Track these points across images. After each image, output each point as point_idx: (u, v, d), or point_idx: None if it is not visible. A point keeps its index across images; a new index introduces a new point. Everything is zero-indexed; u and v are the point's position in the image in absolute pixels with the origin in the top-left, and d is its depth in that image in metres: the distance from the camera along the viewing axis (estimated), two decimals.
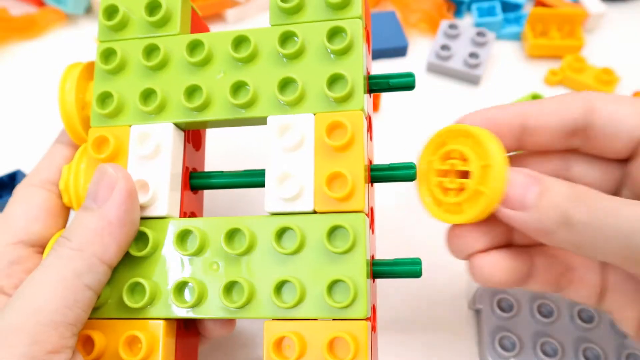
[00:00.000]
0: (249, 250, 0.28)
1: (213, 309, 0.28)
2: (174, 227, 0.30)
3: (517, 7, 0.58)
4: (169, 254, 0.29)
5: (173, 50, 0.31)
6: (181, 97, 0.30)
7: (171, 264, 0.29)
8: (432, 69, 0.54)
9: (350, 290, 0.26)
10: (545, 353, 0.36)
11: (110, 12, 0.32)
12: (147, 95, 0.31)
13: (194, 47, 0.31)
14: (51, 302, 0.25)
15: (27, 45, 0.55)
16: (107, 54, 0.32)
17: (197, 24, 0.34)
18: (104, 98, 0.31)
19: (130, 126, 0.31)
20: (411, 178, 0.29)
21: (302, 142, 0.29)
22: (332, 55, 0.30)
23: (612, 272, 0.30)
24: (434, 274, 0.41)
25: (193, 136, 0.34)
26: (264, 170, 0.31)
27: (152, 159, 0.30)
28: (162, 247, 0.29)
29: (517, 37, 0.57)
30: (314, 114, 0.29)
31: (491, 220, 0.29)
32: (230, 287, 0.28)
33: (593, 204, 0.25)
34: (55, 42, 0.55)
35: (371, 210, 0.30)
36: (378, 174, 0.30)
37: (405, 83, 0.31)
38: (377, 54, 0.54)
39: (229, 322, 0.32)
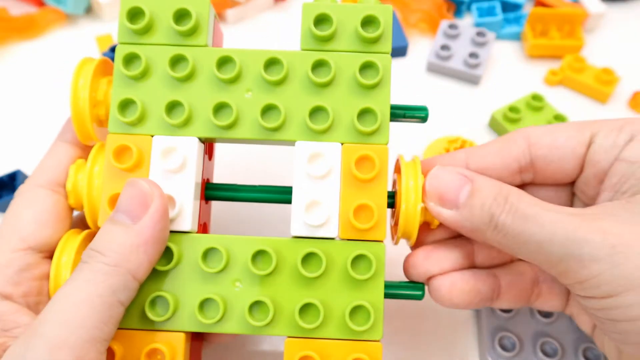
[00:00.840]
0: (273, 271, 0.29)
1: (235, 325, 0.29)
2: (198, 243, 0.30)
3: (517, 7, 0.58)
4: (191, 269, 0.30)
5: (201, 63, 0.31)
6: (209, 113, 0.30)
7: (194, 279, 0.30)
8: (432, 69, 0.54)
9: (370, 315, 0.28)
10: (545, 353, 0.36)
11: (134, 14, 0.31)
12: (172, 106, 0.30)
13: (223, 62, 0.31)
14: (90, 318, 0.25)
15: (27, 45, 0.55)
16: (129, 58, 0.31)
17: (217, 31, 0.34)
18: (125, 104, 0.30)
19: (152, 136, 0.30)
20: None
21: (330, 171, 0.30)
22: (361, 88, 0.30)
23: None
24: None
25: (208, 146, 0.34)
26: (289, 188, 0.32)
27: (177, 172, 0.30)
28: (184, 262, 0.30)
29: (517, 37, 0.57)
30: (342, 144, 0.30)
31: (450, 244, 0.32)
32: (253, 306, 0.29)
33: (517, 208, 0.27)
34: (55, 42, 0.55)
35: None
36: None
37: (419, 115, 0.33)
38: None
39: None
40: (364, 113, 0.30)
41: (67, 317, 0.25)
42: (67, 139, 0.33)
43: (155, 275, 0.30)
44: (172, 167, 0.30)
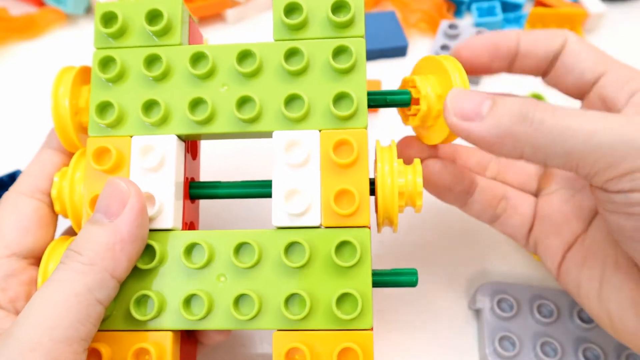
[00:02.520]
0: (257, 263, 0.29)
1: (221, 320, 0.29)
2: (180, 240, 0.30)
3: (517, 7, 0.57)
4: (175, 266, 0.30)
5: (175, 61, 0.31)
6: (185, 110, 0.30)
7: (178, 276, 0.29)
8: None
9: (358, 302, 0.28)
10: (545, 353, 0.36)
11: (108, 18, 0.31)
12: (149, 106, 0.31)
13: (197, 59, 0.31)
14: (65, 318, 0.25)
15: (27, 45, 0.55)
16: (105, 62, 0.31)
17: (194, 32, 0.34)
18: (103, 107, 0.31)
19: (131, 137, 0.31)
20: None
21: (309, 159, 0.29)
22: (336, 73, 0.30)
23: (542, 202, 0.36)
24: (434, 274, 0.41)
25: (191, 146, 0.34)
26: (269, 181, 0.32)
27: (156, 171, 0.30)
28: (168, 260, 0.30)
29: None
30: (319, 131, 0.30)
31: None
32: (239, 300, 0.28)
33: (554, 108, 0.27)
34: (55, 42, 0.55)
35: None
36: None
37: (401, 100, 0.32)
38: (377, 54, 0.54)
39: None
40: (340, 98, 0.30)
41: (41, 318, 0.25)
42: (53, 146, 0.33)
43: (139, 274, 0.29)
44: (151, 165, 0.30)
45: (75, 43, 0.55)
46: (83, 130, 0.33)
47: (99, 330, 0.28)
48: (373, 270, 0.30)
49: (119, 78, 0.31)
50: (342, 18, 0.30)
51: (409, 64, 0.54)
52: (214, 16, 0.57)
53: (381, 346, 0.38)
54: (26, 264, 0.31)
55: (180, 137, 0.31)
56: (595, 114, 0.27)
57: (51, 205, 0.33)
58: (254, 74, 0.30)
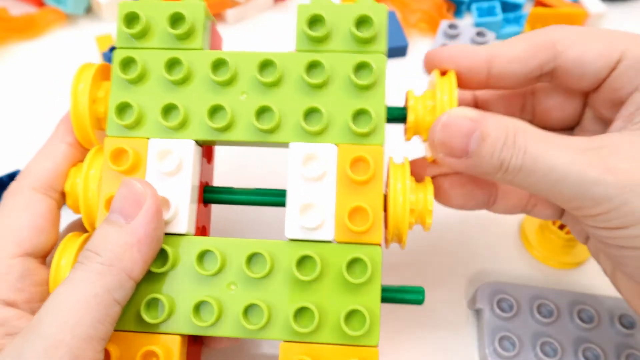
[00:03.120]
0: (268, 274, 0.29)
1: (230, 328, 0.29)
2: (194, 246, 0.30)
3: (517, 7, 0.57)
4: (187, 271, 0.30)
5: (196, 66, 0.31)
6: (204, 115, 0.30)
7: (189, 281, 0.29)
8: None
9: (366, 320, 0.28)
10: (545, 353, 0.36)
11: (131, 18, 0.31)
12: (168, 109, 0.30)
13: (218, 65, 0.31)
14: (86, 317, 0.25)
15: (27, 45, 0.54)
16: (126, 62, 0.31)
17: (215, 37, 0.34)
18: (122, 108, 0.31)
19: (148, 139, 0.31)
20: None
21: (325, 173, 0.30)
22: (356, 89, 0.30)
23: None
24: (434, 274, 0.41)
25: (207, 150, 0.34)
26: (283, 191, 0.31)
27: (173, 175, 0.30)
28: (180, 264, 0.30)
29: None
30: (337, 145, 0.30)
31: None
32: (248, 309, 0.29)
33: (526, 149, 0.27)
34: (55, 42, 0.55)
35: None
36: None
37: (395, 115, 0.32)
38: None
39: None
40: (359, 114, 0.30)
41: (63, 317, 0.25)
42: (66, 141, 0.33)
43: (151, 277, 0.29)
44: (168, 169, 0.30)
45: (75, 43, 0.55)
46: (99, 126, 0.33)
47: None
48: (382, 287, 0.30)
49: (139, 79, 0.31)
50: (364, 33, 0.30)
51: (409, 64, 0.54)
52: (214, 16, 0.56)
53: (381, 346, 0.38)
54: (37, 263, 0.31)
55: (197, 142, 0.31)
56: (566, 150, 0.27)
57: (60, 203, 0.32)
58: (274, 84, 0.30)
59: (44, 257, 0.31)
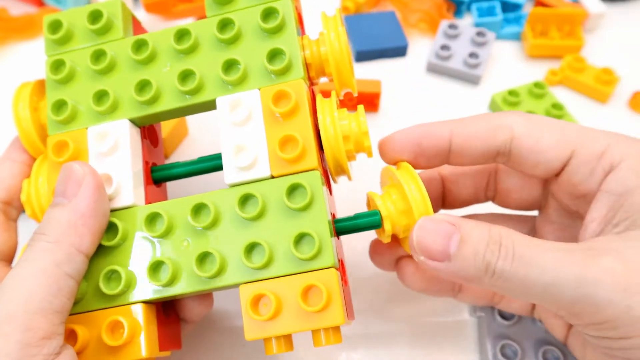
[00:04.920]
0: (215, 222, 0.29)
1: (188, 284, 0.28)
2: (141, 212, 0.30)
3: (517, 7, 0.55)
4: (139, 239, 0.29)
5: (119, 53, 0.32)
6: (132, 93, 0.31)
7: (143, 248, 0.29)
8: (432, 69, 0.52)
9: (315, 241, 0.27)
10: None
11: (55, 27, 0.33)
12: (100, 96, 0.31)
13: (138, 46, 0.32)
14: (37, 292, 0.25)
15: (27, 45, 0.52)
16: (57, 66, 0.32)
17: (139, 31, 0.35)
18: (59, 106, 0.31)
19: (87, 128, 0.31)
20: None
21: (251, 115, 0.30)
22: (267, 34, 0.30)
23: None
24: None
25: (149, 133, 0.34)
26: (219, 154, 0.32)
27: (112, 154, 0.31)
28: (133, 235, 0.29)
29: (517, 37, 0.54)
30: (259, 89, 0.30)
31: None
32: (202, 259, 0.28)
33: (514, 252, 0.25)
34: None
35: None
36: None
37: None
38: (377, 54, 0.52)
39: (206, 298, 0.32)
40: (274, 55, 0.30)
41: (13, 293, 0.25)
42: (11, 157, 0.34)
43: (105, 251, 0.29)
44: (107, 148, 0.30)
45: None
46: (46, 137, 0.33)
47: (75, 313, 0.29)
48: (335, 219, 0.30)
49: (69, 78, 0.32)
50: None
51: (409, 64, 0.52)
52: None
53: (380, 354, 0.36)
54: (2, 266, 0.31)
55: (134, 122, 0.32)
56: (557, 251, 0.25)
57: (16, 215, 0.34)
58: (192, 50, 0.31)
59: (7, 260, 0.32)
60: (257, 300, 0.27)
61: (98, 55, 0.32)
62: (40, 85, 0.34)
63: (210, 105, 0.31)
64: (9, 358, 0.23)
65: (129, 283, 0.28)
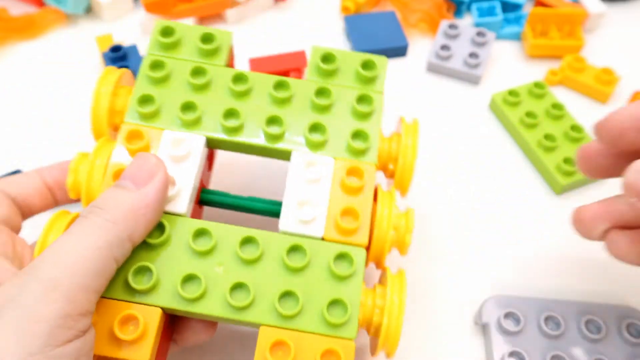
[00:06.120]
0: (258, 259, 0.28)
1: (214, 307, 0.27)
2: (191, 224, 0.29)
3: (517, 7, 0.54)
4: (181, 248, 0.29)
5: (217, 77, 0.33)
6: (219, 116, 0.31)
7: (181, 258, 0.29)
8: (432, 69, 0.50)
9: (347, 311, 0.27)
10: None
11: (167, 32, 0.34)
12: (187, 107, 0.32)
13: (238, 79, 0.33)
14: (86, 267, 0.24)
15: (27, 45, 0.51)
16: (156, 65, 0.33)
17: (231, 62, 0.36)
18: (145, 100, 0.32)
19: (163, 130, 0.31)
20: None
21: (321, 178, 0.30)
22: (357, 115, 0.32)
23: None
24: (437, 288, 0.38)
25: (209, 157, 0.35)
26: (278, 202, 0.32)
27: (180, 162, 0.31)
28: (173, 241, 0.29)
29: (517, 37, 0.53)
30: (335, 159, 0.31)
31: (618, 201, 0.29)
32: (236, 288, 0.28)
33: None
34: (55, 42, 0.51)
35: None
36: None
37: None
38: (377, 54, 0.50)
39: (211, 327, 0.31)
40: (357, 135, 0.31)
41: (64, 263, 0.24)
42: (43, 175, 0.33)
43: (144, 247, 0.29)
44: (178, 154, 0.30)
45: (75, 43, 0.51)
46: (115, 128, 0.33)
47: None
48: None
49: (163, 80, 0.32)
50: (368, 74, 0.33)
51: (409, 64, 0.51)
52: (214, 16, 0.53)
53: None
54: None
55: (208, 141, 0.32)
56: None
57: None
58: (285, 101, 0.32)
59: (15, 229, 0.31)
60: (275, 345, 0.27)
61: (198, 72, 0.33)
62: (124, 76, 0.34)
63: (282, 154, 0.32)
64: (49, 324, 0.23)
65: (156, 285, 0.28)
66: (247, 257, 0.28)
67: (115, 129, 0.33)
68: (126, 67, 0.46)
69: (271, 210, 0.32)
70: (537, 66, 0.51)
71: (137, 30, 0.52)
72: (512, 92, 0.46)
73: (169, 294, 0.28)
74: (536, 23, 0.51)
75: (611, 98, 0.49)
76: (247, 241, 0.29)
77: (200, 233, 0.29)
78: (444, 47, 0.50)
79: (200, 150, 0.31)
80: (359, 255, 0.29)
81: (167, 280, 0.28)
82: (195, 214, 0.32)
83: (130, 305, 0.27)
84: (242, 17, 0.53)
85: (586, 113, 0.47)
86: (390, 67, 0.51)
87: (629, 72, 0.50)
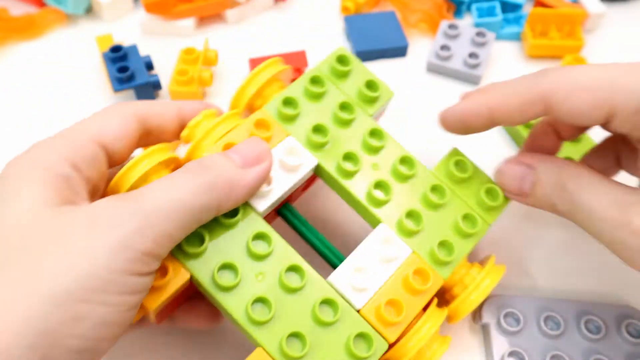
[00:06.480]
0: (294, 290, 0.28)
1: (233, 304, 0.27)
2: (257, 225, 0.29)
3: (516, 7, 0.53)
4: (237, 238, 0.29)
5: (358, 122, 0.33)
6: (340, 154, 0.32)
7: (233, 246, 0.29)
8: (432, 69, 0.50)
9: None
10: None
11: (342, 60, 0.35)
12: (319, 130, 0.32)
13: (374, 134, 0.33)
14: (178, 218, 0.25)
15: (27, 45, 0.50)
16: (315, 80, 0.34)
17: (380, 113, 0.37)
18: (289, 102, 0.33)
19: (288, 135, 0.32)
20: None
21: (390, 261, 0.30)
22: (453, 229, 0.32)
23: None
24: None
25: (311, 179, 0.35)
26: (342, 256, 0.32)
27: (285, 170, 0.31)
28: (237, 229, 0.29)
29: (517, 37, 0.52)
30: (413, 252, 0.30)
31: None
32: (260, 302, 0.28)
33: (572, 199, 0.29)
34: (55, 42, 0.51)
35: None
36: None
37: None
38: (377, 54, 0.50)
39: (215, 320, 0.32)
40: (443, 244, 0.31)
41: (165, 208, 0.25)
42: (125, 114, 0.30)
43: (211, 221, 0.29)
44: (288, 162, 0.31)
45: (75, 43, 0.51)
46: (250, 108, 0.34)
47: None
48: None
49: (315, 96, 0.33)
50: (490, 202, 0.33)
51: (409, 64, 0.50)
52: (214, 16, 0.53)
53: None
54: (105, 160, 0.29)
55: (318, 166, 0.32)
56: (607, 204, 0.28)
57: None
58: (406, 178, 0.33)
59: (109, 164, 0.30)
60: None
61: (346, 107, 0.34)
62: (285, 72, 0.35)
63: (371, 218, 0.32)
64: (135, 255, 0.24)
65: (200, 255, 0.28)
66: (286, 282, 0.28)
67: (250, 109, 0.34)
68: (126, 67, 0.45)
69: (331, 260, 0.32)
70: (537, 66, 0.50)
71: (137, 30, 0.52)
72: None
73: (204, 269, 0.28)
74: (536, 23, 0.50)
75: None
76: (294, 269, 0.29)
77: (261, 236, 0.29)
78: (444, 47, 0.49)
79: (307, 171, 0.31)
80: (380, 347, 0.28)
81: (210, 257, 0.28)
82: (268, 219, 0.32)
83: (169, 256, 0.28)
84: (242, 17, 0.53)
85: None
86: (390, 67, 0.50)
87: None
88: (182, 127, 0.32)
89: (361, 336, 0.28)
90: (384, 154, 0.33)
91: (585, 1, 0.52)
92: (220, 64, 0.49)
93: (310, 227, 0.33)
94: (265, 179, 0.29)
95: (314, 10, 0.55)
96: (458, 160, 0.33)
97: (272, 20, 0.54)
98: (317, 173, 0.33)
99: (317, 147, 0.32)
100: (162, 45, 0.51)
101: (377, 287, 0.29)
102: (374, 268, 0.30)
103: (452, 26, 0.50)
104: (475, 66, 0.48)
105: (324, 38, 0.52)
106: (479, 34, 0.50)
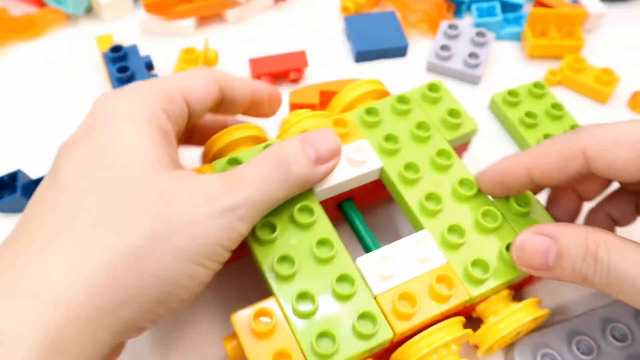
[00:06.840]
0: (321, 261, 0.30)
1: (281, 291, 0.29)
2: (307, 200, 0.31)
3: (516, 7, 0.53)
4: (283, 207, 0.31)
5: (434, 140, 0.35)
6: (402, 163, 0.33)
7: (278, 210, 0.31)
8: (432, 69, 0.50)
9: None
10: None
11: (433, 88, 0.37)
12: (391, 139, 0.34)
13: (442, 154, 0.34)
14: (265, 204, 0.28)
15: (27, 45, 0.50)
16: (402, 101, 0.36)
17: (462, 148, 0.38)
18: (372, 112, 0.35)
19: (362, 139, 0.34)
20: None
21: (423, 263, 0.30)
22: (499, 258, 0.31)
23: None
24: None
25: (377, 192, 0.37)
26: (378, 244, 0.34)
27: (348, 163, 0.33)
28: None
29: (516, 37, 0.52)
30: (447, 263, 0.30)
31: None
32: (286, 258, 0.30)
33: (609, 267, 0.26)
34: (55, 42, 0.51)
35: None
36: None
37: None
38: (377, 54, 0.50)
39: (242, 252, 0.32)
40: (479, 264, 0.30)
41: (258, 198, 0.28)
42: (207, 79, 0.31)
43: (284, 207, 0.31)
44: (353, 157, 0.33)
45: (75, 43, 0.50)
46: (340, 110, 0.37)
47: None
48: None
49: (398, 113, 0.36)
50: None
51: (409, 64, 0.50)
52: (214, 16, 0.52)
53: None
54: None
55: (381, 171, 0.34)
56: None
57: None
58: (468, 199, 0.33)
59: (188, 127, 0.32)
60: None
61: (422, 126, 0.35)
62: (378, 90, 0.37)
63: (416, 223, 0.32)
64: (244, 229, 0.27)
65: (270, 234, 0.30)
66: (315, 252, 0.30)
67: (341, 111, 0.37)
68: (126, 67, 0.45)
69: (366, 244, 0.34)
70: (537, 66, 0.50)
71: (137, 30, 0.52)
72: (511, 92, 0.46)
73: (265, 251, 0.30)
74: (536, 23, 0.50)
75: (611, 98, 0.48)
76: (326, 243, 0.30)
77: (305, 209, 0.31)
78: (444, 47, 0.49)
79: (370, 170, 0.33)
80: (383, 332, 0.28)
81: (272, 243, 0.30)
82: (329, 212, 0.33)
83: None
84: (242, 17, 0.53)
85: (586, 113, 0.46)
86: (390, 67, 0.50)
87: (628, 72, 0.49)
88: (251, 104, 0.34)
89: (367, 317, 0.28)
90: (448, 173, 0.34)
91: (585, 1, 0.52)
92: (220, 64, 0.49)
93: (360, 222, 0.35)
94: (331, 171, 0.31)
95: (314, 10, 0.54)
96: (522, 195, 0.33)
97: (272, 20, 0.53)
98: (382, 177, 0.34)
99: (386, 153, 0.34)
100: (162, 45, 0.50)
101: (400, 281, 0.29)
102: (403, 263, 0.30)
103: (452, 26, 0.50)
104: (475, 66, 0.48)
105: (324, 38, 0.52)
106: (479, 34, 0.49)
